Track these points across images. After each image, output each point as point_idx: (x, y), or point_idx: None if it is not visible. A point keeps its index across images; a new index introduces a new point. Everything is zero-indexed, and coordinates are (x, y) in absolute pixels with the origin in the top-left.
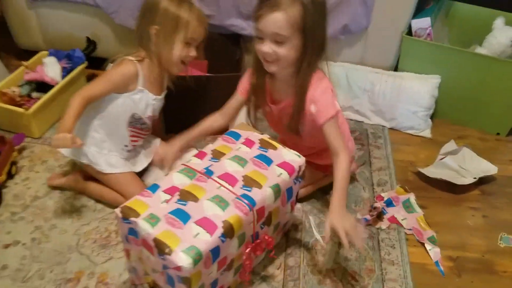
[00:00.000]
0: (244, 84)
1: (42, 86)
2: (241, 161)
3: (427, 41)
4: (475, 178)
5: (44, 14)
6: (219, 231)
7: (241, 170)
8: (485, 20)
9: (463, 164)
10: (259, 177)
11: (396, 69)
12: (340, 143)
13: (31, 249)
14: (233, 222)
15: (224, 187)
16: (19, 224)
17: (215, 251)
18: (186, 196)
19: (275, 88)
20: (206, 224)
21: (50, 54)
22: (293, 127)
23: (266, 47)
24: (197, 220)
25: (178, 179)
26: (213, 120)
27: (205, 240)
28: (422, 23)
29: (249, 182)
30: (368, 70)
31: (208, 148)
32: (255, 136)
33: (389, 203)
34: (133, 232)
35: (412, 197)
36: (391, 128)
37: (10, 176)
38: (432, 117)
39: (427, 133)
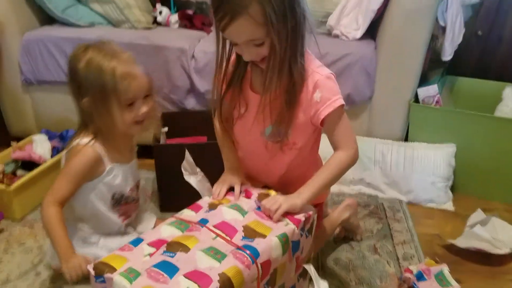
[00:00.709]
0: (219, 84)
1: (29, 165)
2: (241, 210)
3: (438, 107)
4: (511, 248)
5: (39, 98)
6: (215, 285)
7: (241, 219)
8: (491, 93)
9: (495, 235)
10: (262, 228)
11: (406, 140)
12: (347, 138)
13: None
14: (232, 276)
15: (220, 237)
16: None
17: None
18: (175, 247)
19: (261, 77)
20: (198, 277)
21: (42, 132)
22: (283, 124)
23: (248, 54)
24: (186, 272)
25: (167, 232)
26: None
27: None
28: (429, 91)
29: (251, 233)
30: (376, 141)
31: (205, 201)
32: (255, 189)
33: (420, 277)
34: None
35: (445, 268)
36: (409, 202)
37: None
38: (452, 190)
39: (449, 206)
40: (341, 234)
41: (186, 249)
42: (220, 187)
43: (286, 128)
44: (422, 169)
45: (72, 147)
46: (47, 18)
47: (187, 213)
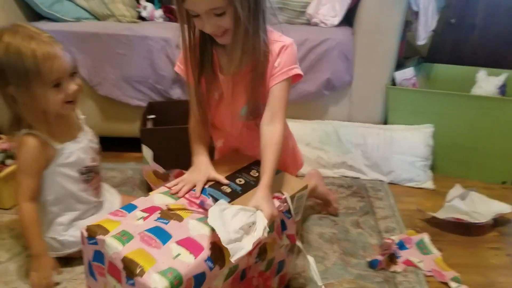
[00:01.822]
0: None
1: None
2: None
3: (413, 89)
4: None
5: None
6: (206, 253)
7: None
8: (465, 77)
9: (474, 208)
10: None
11: (385, 123)
12: (281, 109)
13: None
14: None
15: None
16: None
17: (199, 279)
18: (168, 215)
19: (227, 59)
20: (190, 245)
21: None
22: (255, 100)
23: (209, 25)
24: (179, 240)
25: (160, 200)
26: (201, 136)
27: (187, 263)
28: (406, 74)
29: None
30: (357, 125)
31: None
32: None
33: (401, 246)
34: (98, 256)
35: (426, 237)
36: (390, 182)
37: None
38: (432, 170)
39: (429, 185)
40: (321, 209)
41: (179, 218)
42: (182, 186)
43: (258, 105)
44: (401, 150)
45: (17, 142)
46: (33, 15)
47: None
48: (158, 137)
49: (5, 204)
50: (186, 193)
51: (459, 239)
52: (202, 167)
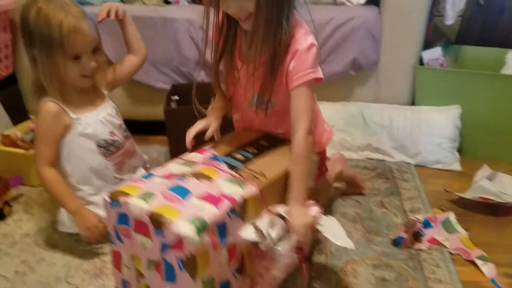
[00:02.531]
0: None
1: None
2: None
3: (442, 68)
4: None
5: None
6: (227, 204)
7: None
8: (494, 59)
9: (502, 188)
10: None
11: (413, 104)
12: (305, 115)
13: (12, 281)
14: (249, 198)
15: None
16: (3, 260)
17: (221, 228)
18: (187, 176)
19: (248, 44)
20: (211, 199)
21: None
22: (267, 93)
23: (232, 7)
24: (200, 195)
25: (176, 169)
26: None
27: (211, 211)
28: (434, 54)
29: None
30: (384, 107)
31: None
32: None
33: (426, 224)
34: (123, 219)
35: (451, 216)
36: (417, 165)
37: (1, 216)
38: (459, 153)
39: (456, 167)
40: (348, 191)
41: (199, 176)
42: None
43: (269, 97)
44: (428, 132)
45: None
46: None
47: (192, 155)
48: (182, 117)
49: (34, 182)
50: (197, 132)
51: (486, 219)
52: (214, 111)
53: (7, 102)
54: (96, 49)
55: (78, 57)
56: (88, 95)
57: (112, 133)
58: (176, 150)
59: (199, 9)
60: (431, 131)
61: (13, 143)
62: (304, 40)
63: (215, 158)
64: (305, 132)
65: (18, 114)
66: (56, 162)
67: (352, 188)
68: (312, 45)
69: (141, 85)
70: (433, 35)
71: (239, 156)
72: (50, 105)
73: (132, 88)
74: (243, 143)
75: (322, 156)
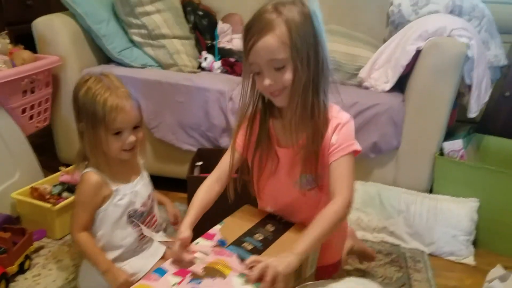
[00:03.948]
0: (240, 139)
1: (75, 189)
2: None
3: (462, 161)
4: None
5: None
6: None
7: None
8: None
9: None
10: None
11: (431, 192)
12: (342, 187)
13: None
14: None
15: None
16: None
17: None
18: (209, 271)
19: (284, 131)
20: None
21: None
22: (312, 171)
23: (268, 79)
24: None
25: None
26: (211, 190)
27: None
28: (454, 146)
29: None
30: (401, 191)
31: (216, 229)
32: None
33: None
34: None
35: None
36: (430, 254)
37: (22, 270)
38: (474, 245)
39: (470, 260)
40: (359, 261)
41: (213, 273)
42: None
43: (315, 174)
44: (444, 222)
45: (80, 177)
46: (104, 58)
47: (202, 243)
48: None
49: (57, 235)
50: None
51: None
52: (180, 230)
53: (40, 152)
54: (137, 126)
55: (119, 132)
56: (128, 167)
57: (143, 205)
58: None
59: (230, 79)
60: (447, 221)
61: (41, 196)
62: (342, 114)
63: (223, 244)
64: (346, 201)
65: (50, 164)
66: (90, 227)
67: (363, 259)
68: (351, 118)
69: (168, 145)
70: (459, 114)
71: (248, 246)
72: (92, 176)
73: (159, 146)
74: (250, 227)
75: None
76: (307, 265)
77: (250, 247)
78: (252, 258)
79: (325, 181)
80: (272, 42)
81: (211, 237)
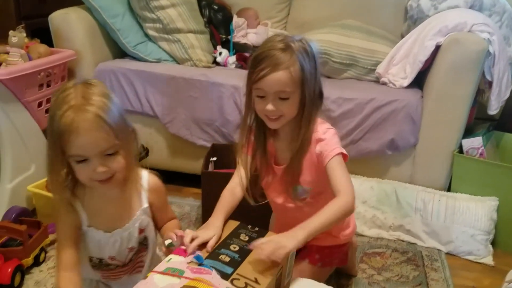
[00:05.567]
0: (251, 144)
1: None
2: None
3: (481, 160)
4: None
5: None
6: None
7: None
8: None
9: None
10: None
11: (449, 190)
12: (345, 183)
13: None
14: None
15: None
16: None
17: None
18: None
19: (280, 148)
20: None
21: None
22: (301, 184)
23: (271, 106)
24: None
25: (163, 282)
26: (235, 195)
27: None
28: (474, 143)
29: None
30: (418, 189)
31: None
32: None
33: None
34: None
35: None
36: (448, 253)
37: (37, 262)
38: (493, 245)
39: (488, 260)
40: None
41: None
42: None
43: (303, 188)
44: (462, 221)
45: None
46: (119, 52)
47: (175, 260)
48: (218, 180)
49: None
50: (200, 243)
51: None
52: (215, 225)
53: None
54: (114, 152)
55: (85, 160)
56: (117, 207)
57: (112, 258)
58: (209, 210)
59: (244, 74)
60: (465, 220)
61: None
62: (320, 128)
63: (199, 259)
64: (350, 197)
65: None
66: (75, 263)
67: (347, 271)
68: (327, 128)
69: (182, 140)
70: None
71: (225, 258)
72: (64, 206)
73: (173, 141)
74: (224, 238)
75: (346, 248)
76: (285, 274)
77: (227, 259)
78: (260, 241)
79: (319, 189)
80: (285, 76)
81: (183, 253)
